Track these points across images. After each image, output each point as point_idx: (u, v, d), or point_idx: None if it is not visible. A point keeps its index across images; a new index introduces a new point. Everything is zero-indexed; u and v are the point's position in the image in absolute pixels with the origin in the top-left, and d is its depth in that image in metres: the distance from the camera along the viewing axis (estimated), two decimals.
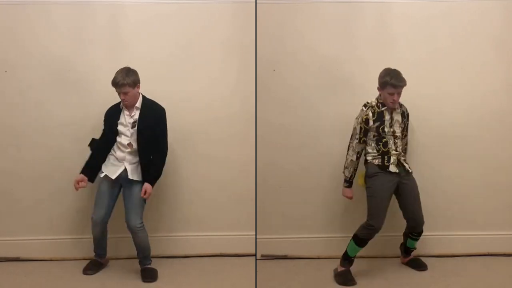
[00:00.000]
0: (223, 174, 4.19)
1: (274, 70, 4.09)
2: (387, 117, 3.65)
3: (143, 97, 3.78)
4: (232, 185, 4.19)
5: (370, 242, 3.69)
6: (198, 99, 4.12)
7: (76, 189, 3.72)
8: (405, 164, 3.70)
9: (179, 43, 4.09)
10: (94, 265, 3.91)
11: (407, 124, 3.80)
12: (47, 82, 4.04)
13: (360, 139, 3.67)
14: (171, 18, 4.08)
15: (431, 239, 4.07)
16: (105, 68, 3.92)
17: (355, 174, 3.74)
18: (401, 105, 3.75)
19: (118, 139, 3.74)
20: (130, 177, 3.69)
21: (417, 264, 3.92)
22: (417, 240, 3.84)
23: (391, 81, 3.56)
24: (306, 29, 4.06)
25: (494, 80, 4.06)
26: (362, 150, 3.71)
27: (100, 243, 3.90)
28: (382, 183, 3.65)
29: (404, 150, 3.81)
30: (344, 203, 4.07)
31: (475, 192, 4.12)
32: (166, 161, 3.80)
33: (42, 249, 4.09)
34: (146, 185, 3.69)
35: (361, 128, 3.66)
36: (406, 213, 3.75)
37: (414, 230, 3.78)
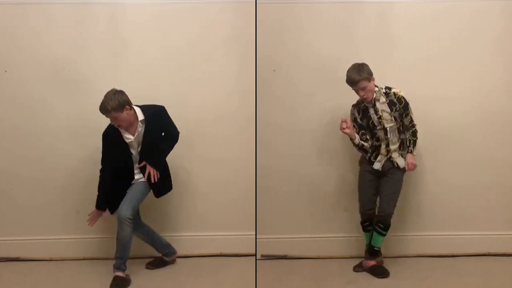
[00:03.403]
0: (223, 174, 4.18)
1: (274, 70, 4.09)
2: (371, 111, 3.68)
3: (142, 109, 3.63)
4: (232, 185, 4.18)
5: None
6: (198, 99, 4.12)
7: (90, 224, 3.73)
8: (396, 160, 3.69)
9: (179, 43, 4.09)
10: (158, 262, 3.95)
11: (406, 111, 3.66)
12: (47, 82, 4.04)
13: (358, 132, 3.78)
14: (171, 18, 4.08)
15: (431, 239, 4.07)
16: (105, 68, 3.93)
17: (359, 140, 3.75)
18: (387, 94, 3.67)
19: (133, 163, 3.68)
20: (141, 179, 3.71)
21: (378, 272, 3.73)
22: (381, 235, 3.69)
23: (347, 79, 3.61)
24: (306, 29, 4.06)
25: (494, 80, 4.06)
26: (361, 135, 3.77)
27: (151, 242, 3.92)
28: (365, 175, 3.78)
29: (409, 142, 3.68)
30: (344, 203, 4.07)
31: (475, 192, 4.11)
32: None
33: (42, 249, 4.09)
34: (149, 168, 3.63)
35: (354, 125, 3.77)
36: (379, 200, 3.75)
37: (379, 218, 3.68)
